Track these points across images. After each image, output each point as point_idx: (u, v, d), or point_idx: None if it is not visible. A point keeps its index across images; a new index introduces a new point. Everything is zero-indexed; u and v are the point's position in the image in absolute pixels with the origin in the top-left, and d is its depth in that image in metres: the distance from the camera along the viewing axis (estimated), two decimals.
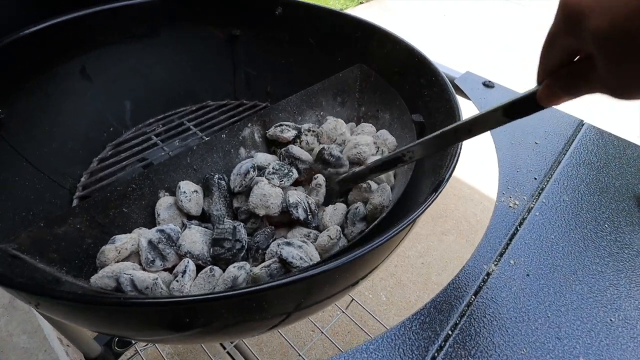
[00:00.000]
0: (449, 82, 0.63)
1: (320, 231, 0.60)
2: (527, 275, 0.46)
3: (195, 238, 0.53)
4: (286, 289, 0.36)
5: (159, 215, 0.56)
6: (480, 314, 0.41)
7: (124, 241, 0.50)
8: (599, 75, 0.27)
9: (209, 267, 0.50)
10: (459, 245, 1.52)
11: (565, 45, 0.29)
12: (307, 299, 0.44)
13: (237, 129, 0.66)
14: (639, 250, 0.51)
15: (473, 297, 0.43)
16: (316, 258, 0.51)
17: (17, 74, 0.63)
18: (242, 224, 0.56)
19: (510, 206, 0.56)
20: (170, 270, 0.52)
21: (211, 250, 0.52)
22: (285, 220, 0.61)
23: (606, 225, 0.54)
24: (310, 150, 0.68)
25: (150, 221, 0.57)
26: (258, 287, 0.35)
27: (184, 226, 0.56)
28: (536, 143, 0.69)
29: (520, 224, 0.53)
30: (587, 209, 0.56)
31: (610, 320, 0.42)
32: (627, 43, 0.24)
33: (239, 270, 0.48)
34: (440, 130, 0.46)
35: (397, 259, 1.47)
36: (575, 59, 0.30)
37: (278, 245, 0.51)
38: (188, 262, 0.50)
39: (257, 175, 0.62)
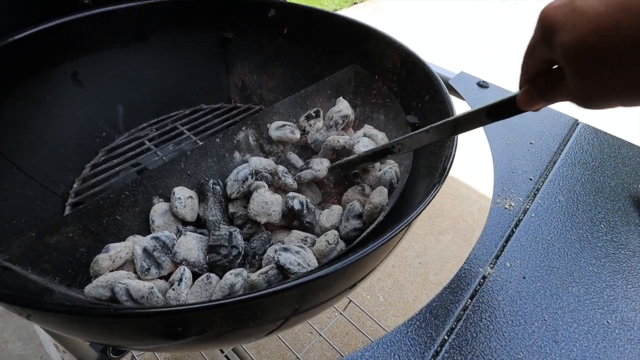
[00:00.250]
0: (444, 83, 0.63)
1: (317, 233, 0.60)
2: (524, 277, 0.46)
3: (191, 245, 0.52)
4: (282, 295, 0.36)
5: (153, 222, 0.56)
6: (477, 318, 0.41)
7: (118, 249, 0.49)
8: (568, 85, 0.29)
9: (206, 274, 0.49)
10: (457, 244, 1.52)
11: (542, 55, 0.31)
12: (303, 304, 0.44)
13: (231, 133, 0.65)
14: (635, 250, 0.51)
15: (469, 300, 0.43)
16: (314, 263, 0.51)
17: (7, 80, 0.62)
18: (238, 229, 0.55)
19: (506, 208, 0.56)
20: (166, 278, 0.52)
21: (207, 257, 0.52)
22: (282, 224, 0.61)
23: (602, 226, 0.54)
24: (320, 142, 0.70)
25: (145, 228, 0.56)
26: (253, 295, 0.34)
27: (179, 232, 0.56)
28: (531, 143, 0.69)
29: (516, 225, 0.53)
30: (582, 209, 0.56)
31: (607, 322, 0.42)
32: (590, 56, 0.26)
33: (235, 277, 0.48)
34: (428, 126, 0.50)
35: (395, 259, 1.47)
36: (553, 68, 0.32)
37: (275, 251, 0.50)
38: (184, 270, 0.49)
39: (256, 181, 0.62)
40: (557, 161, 0.65)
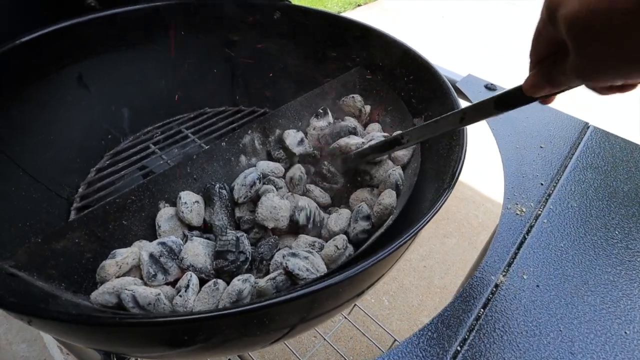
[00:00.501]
0: (451, 86, 0.62)
1: (325, 237, 0.59)
2: (537, 286, 0.45)
3: (198, 250, 0.52)
4: (291, 304, 0.35)
5: (159, 227, 0.55)
6: (490, 329, 0.40)
7: (124, 255, 0.49)
8: (571, 61, 0.30)
9: (213, 280, 0.49)
10: (462, 248, 1.51)
11: (548, 34, 0.32)
12: (311, 312, 0.43)
13: (237, 137, 0.64)
14: None
15: (482, 310, 0.42)
16: (323, 269, 0.50)
17: (13, 83, 0.62)
18: (245, 234, 0.55)
19: (517, 213, 0.55)
20: (172, 284, 0.51)
21: (214, 263, 0.51)
22: (289, 229, 0.60)
23: (616, 232, 0.53)
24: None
25: (151, 233, 0.56)
26: (262, 304, 0.34)
27: (185, 238, 0.55)
28: (541, 147, 0.67)
29: (528, 232, 0.52)
30: (596, 215, 0.55)
31: (625, 332, 0.41)
32: (585, 26, 0.27)
33: (243, 284, 0.47)
34: (436, 118, 0.50)
35: (399, 263, 1.45)
36: (559, 51, 0.33)
37: (283, 257, 0.50)
38: (191, 276, 0.49)
39: (263, 185, 0.61)
40: (568, 165, 0.64)
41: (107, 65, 0.74)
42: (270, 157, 0.69)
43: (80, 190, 0.68)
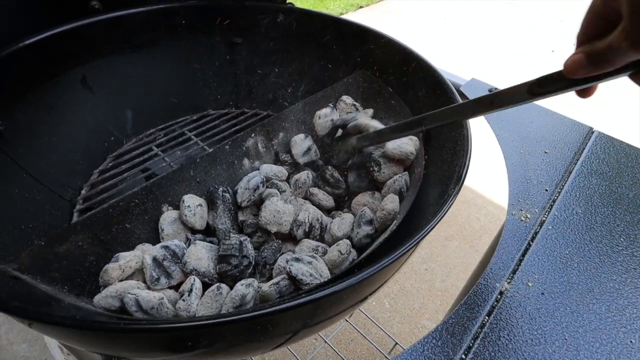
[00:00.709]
0: (455, 90, 0.62)
1: (328, 242, 0.59)
2: (542, 293, 0.45)
3: (201, 254, 0.51)
4: (295, 310, 0.35)
5: (162, 230, 0.55)
6: (495, 337, 0.40)
7: (127, 259, 0.49)
8: (624, 26, 0.29)
9: (216, 284, 0.49)
10: (463, 251, 1.51)
11: (601, 10, 0.31)
12: (314, 318, 0.43)
13: (240, 140, 0.64)
14: None
15: (486, 317, 0.42)
16: (326, 274, 0.50)
17: (17, 85, 0.62)
18: (248, 238, 0.54)
19: (521, 219, 0.55)
20: (175, 288, 0.51)
21: (218, 267, 0.51)
22: (292, 234, 0.60)
23: (622, 239, 0.52)
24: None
25: (154, 236, 0.56)
26: (266, 311, 0.33)
27: (188, 241, 0.55)
28: (546, 152, 0.67)
29: (533, 238, 0.52)
30: (601, 221, 0.55)
31: (631, 341, 0.41)
32: None
33: (247, 288, 0.47)
34: (462, 102, 0.47)
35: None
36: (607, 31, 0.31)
37: (287, 261, 0.49)
38: (194, 280, 0.48)
39: (267, 188, 0.61)
40: (572, 171, 0.64)
41: (111, 68, 0.74)
42: (277, 159, 0.69)
43: (83, 192, 0.68)
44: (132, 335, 0.33)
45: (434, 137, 0.63)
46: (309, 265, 0.49)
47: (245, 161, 0.66)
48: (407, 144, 0.62)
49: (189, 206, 0.56)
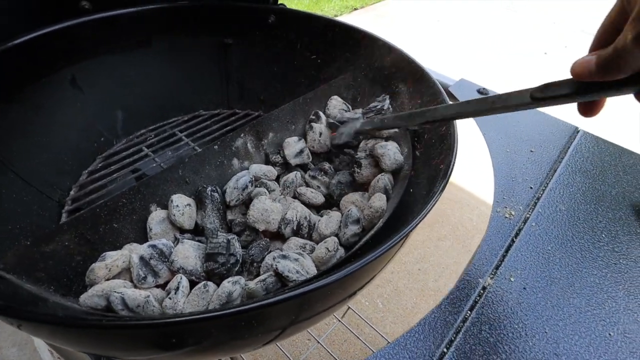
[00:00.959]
0: (443, 90, 0.62)
1: (316, 240, 0.59)
2: (524, 288, 0.45)
3: (188, 253, 0.52)
4: (279, 306, 0.35)
5: (150, 229, 0.55)
6: (476, 330, 0.40)
7: (114, 258, 0.49)
8: (629, 24, 0.28)
9: (203, 282, 0.49)
10: (456, 251, 1.52)
11: (614, 20, 0.31)
12: (301, 314, 0.43)
13: (229, 140, 0.65)
14: (637, 260, 0.50)
15: (469, 312, 0.42)
16: (313, 271, 0.51)
17: (6, 85, 0.62)
18: (236, 237, 0.55)
19: (506, 217, 0.55)
20: (163, 286, 0.51)
21: (205, 265, 0.51)
22: (280, 233, 0.60)
23: (603, 235, 0.53)
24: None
25: (142, 236, 0.56)
26: (249, 306, 0.34)
27: (176, 241, 0.55)
28: (531, 151, 0.68)
29: (517, 235, 0.53)
30: (583, 218, 0.56)
31: (609, 334, 0.42)
32: None
33: (233, 286, 0.47)
34: (466, 101, 0.47)
35: (394, 266, 1.46)
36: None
37: (274, 259, 0.50)
38: (181, 278, 0.49)
39: (256, 187, 0.61)
40: (557, 169, 0.65)
41: (101, 68, 0.74)
42: (267, 160, 0.70)
43: (72, 192, 0.68)
44: (115, 331, 0.33)
45: (422, 135, 0.64)
46: (296, 262, 0.49)
47: (235, 161, 0.66)
48: (396, 154, 0.63)
49: (177, 206, 0.56)
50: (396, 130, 0.66)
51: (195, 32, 0.82)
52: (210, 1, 0.81)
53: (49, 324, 0.31)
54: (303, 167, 0.71)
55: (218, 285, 0.49)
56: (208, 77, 0.87)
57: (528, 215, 0.56)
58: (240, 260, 0.53)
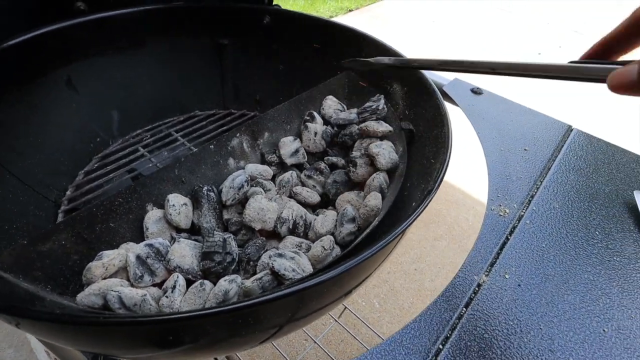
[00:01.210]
0: (437, 89, 0.63)
1: (312, 239, 0.60)
2: (519, 285, 0.46)
3: (185, 252, 0.52)
4: (275, 303, 0.35)
5: (147, 229, 0.55)
6: (471, 327, 0.41)
7: (111, 257, 0.49)
8: None
9: (200, 281, 0.49)
10: (452, 250, 1.52)
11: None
12: (298, 312, 0.43)
13: (225, 140, 0.65)
14: (631, 257, 0.51)
15: (464, 309, 0.43)
16: (309, 269, 0.51)
17: (1, 86, 0.62)
18: (232, 236, 0.55)
19: (500, 214, 0.56)
20: (159, 285, 0.51)
21: (201, 264, 0.52)
22: (276, 232, 0.60)
23: (597, 232, 0.54)
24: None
25: (139, 236, 0.56)
26: (245, 303, 0.34)
27: (173, 240, 0.55)
28: (525, 150, 0.69)
29: (511, 232, 0.53)
30: (577, 216, 0.57)
31: (604, 330, 0.42)
32: None
33: (230, 284, 0.47)
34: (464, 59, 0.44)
35: (390, 266, 1.46)
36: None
37: (270, 257, 0.50)
38: (178, 277, 0.49)
39: (252, 187, 0.62)
40: (551, 167, 0.65)
41: (96, 68, 0.74)
42: (263, 159, 0.70)
43: (68, 193, 0.68)
44: (114, 328, 0.33)
45: (417, 134, 0.64)
46: (292, 260, 0.50)
47: (231, 161, 0.66)
48: (391, 153, 0.64)
49: (173, 205, 0.56)
50: (391, 130, 0.67)
51: (191, 32, 0.82)
52: (205, 2, 0.81)
53: (47, 322, 0.31)
54: (298, 167, 0.71)
55: (214, 283, 0.49)
56: (204, 77, 0.88)
57: (522, 213, 0.56)
58: (237, 259, 0.53)
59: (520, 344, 0.40)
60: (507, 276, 0.47)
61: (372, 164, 0.64)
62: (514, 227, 0.54)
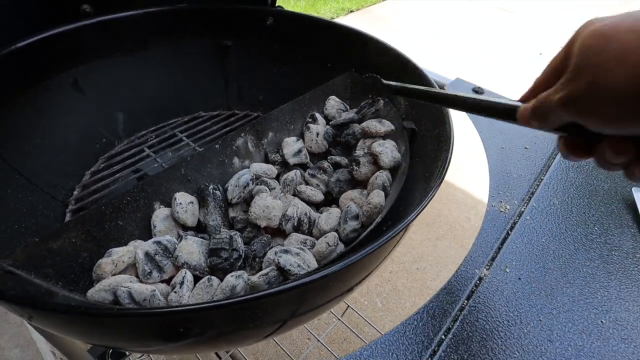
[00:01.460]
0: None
1: (316, 236, 0.61)
2: (519, 278, 0.47)
3: (192, 249, 0.53)
4: (282, 296, 0.36)
5: (155, 227, 0.56)
6: (473, 319, 0.42)
7: (120, 254, 0.50)
8: (560, 82, 0.28)
9: (207, 277, 0.50)
10: (454, 250, 1.53)
11: (557, 64, 0.30)
12: (302, 306, 0.44)
13: (230, 139, 0.66)
14: (628, 252, 0.52)
15: (466, 301, 0.44)
16: (314, 265, 0.52)
17: (8, 88, 0.63)
18: (238, 233, 0.56)
19: (501, 210, 0.57)
20: (167, 281, 0.52)
21: (208, 260, 0.53)
22: (281, 229, 0.61)
23: (596, 228, 0.55)
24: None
25: (146, 233, 0.57)
26: (254, 295, 0.35)
27: (180, 237, 0.57)
28: (526, 148, 0.70)
29: (512, 228, 0.54)
30: (577, 212, 0.58)
31: (602, 322, 0.43)
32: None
33: (236, 280, 0.48)
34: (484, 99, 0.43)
35: (392, 265, 1.47)
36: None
37: (275, 254, 0.51)
38: (185, 273, 0.50)
39: (257, 185, 0.63)
40: (551, 165, 0.66)
41: (102, 70, 0.76)
42: (267, 159, 0.71)
43: (75, 193, 0.69)
44: (127, 320, 0.35)
45: (419, 133, 0.65)
46: (297, 256, 0.51)
47: (235, 160, 0.67)
48: (394, 151, 0.65)
49: (180, 203, 0.57)
50: (392, 128, 0.68)
51: (195, 34, 0.83)
52: (209, 4, 0.82)
53: (62, 313, 0.32)
54: (302, 167, 0.72)
55: (221, 279, 0.50)
56: (208, 78, 0.89)
57: (523, 209, 0.57)
58: (243, 256, 0.54)
59: (520, 334, 0.41)
60: (507, 270, 0.48)
61: (375, 162, 0.65)
62: (515, 223, 0.55)
